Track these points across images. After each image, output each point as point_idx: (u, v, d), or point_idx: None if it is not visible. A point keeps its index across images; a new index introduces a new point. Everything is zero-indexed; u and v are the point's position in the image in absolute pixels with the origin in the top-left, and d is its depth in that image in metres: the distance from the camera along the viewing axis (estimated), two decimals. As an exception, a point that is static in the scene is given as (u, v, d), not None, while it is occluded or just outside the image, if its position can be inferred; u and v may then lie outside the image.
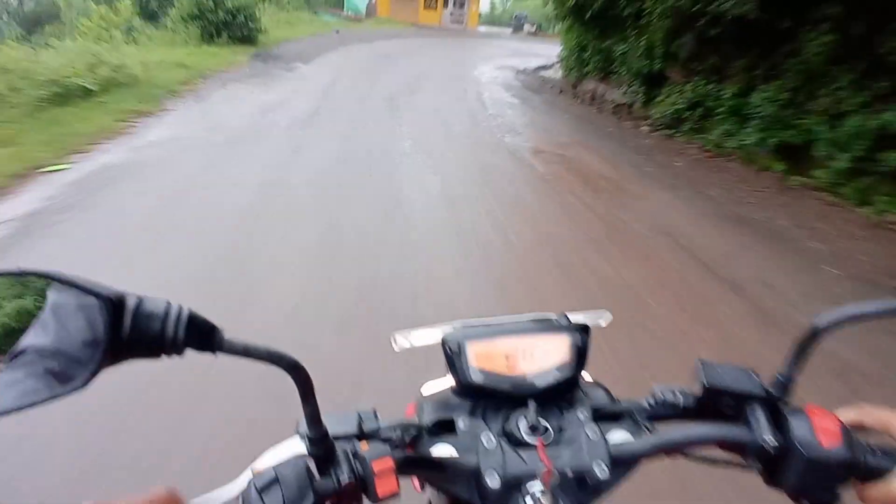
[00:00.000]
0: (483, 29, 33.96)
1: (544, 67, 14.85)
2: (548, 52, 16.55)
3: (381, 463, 0.48)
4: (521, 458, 0.51)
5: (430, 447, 0.54)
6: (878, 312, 0.48)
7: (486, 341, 0.60)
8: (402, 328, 0.65)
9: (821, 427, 0.48)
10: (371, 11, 28.55)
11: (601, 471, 0.50)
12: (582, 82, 11.55)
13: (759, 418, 0.52)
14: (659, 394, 0.58)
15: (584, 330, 0.61)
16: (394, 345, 0.65)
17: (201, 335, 0.40)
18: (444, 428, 0.56)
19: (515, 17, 37.46)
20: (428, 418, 0.57)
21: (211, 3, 13.68)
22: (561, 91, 12.09)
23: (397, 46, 18.01)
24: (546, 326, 0.61)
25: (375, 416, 0.54)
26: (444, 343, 0.60)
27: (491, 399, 0.58)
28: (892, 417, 0.50)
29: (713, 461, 0.55)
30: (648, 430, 0.56)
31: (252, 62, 12.40)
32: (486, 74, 13.76)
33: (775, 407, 0.53)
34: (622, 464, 0.52)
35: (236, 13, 14.08)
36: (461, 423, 0.56)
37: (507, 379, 0.57)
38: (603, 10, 8.99)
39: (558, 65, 13.63)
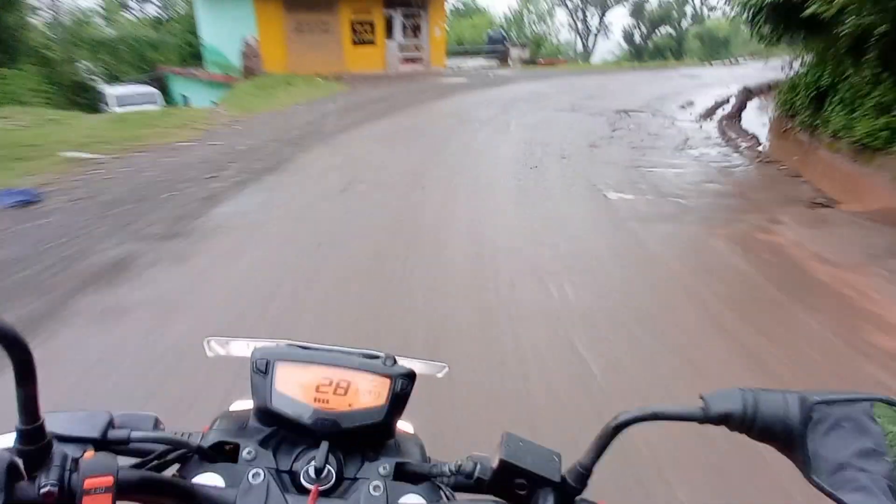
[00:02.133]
0: (452, 64, 20.88)
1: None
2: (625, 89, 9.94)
3: (98, 480, 0.40)
4: (286, 502, 0.47)
5: (198, 472, 0.50)
6: (677, 415, 0.48)
7: (299, 366, 0.54)
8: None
9: None
10: (252, 64, 15.11)
11: None
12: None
13: None
14: (465, 461, 0.53)
15: (409, 377, 0.55)
16: (207, 350, 0.61)
17: None
18: (226, 452, 0.51)
19: (490, 38, 24.87)
20: (210, 439, 0.52)
21: None
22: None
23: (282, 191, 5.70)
24: (370, 365, 0.55)
25: (154, 425, 0.51)
26: (252, 359, 0.54)
27: (290, 430, 0.53)
28: None
29: None
30: (447, 497, 0.54)
31: None
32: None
33: (569, 497, 0.50)
34: None
35: None
36: (246, 451, 0.51)
37: (312, 411, 0.52)
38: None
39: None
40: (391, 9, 18.10)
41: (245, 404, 0.59)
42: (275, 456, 0.52)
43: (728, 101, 12.16)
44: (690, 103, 11.80)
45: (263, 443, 0.53)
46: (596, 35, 47.83)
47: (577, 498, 0.51)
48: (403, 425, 0.61)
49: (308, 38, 16.50)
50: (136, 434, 0.49)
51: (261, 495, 0.47)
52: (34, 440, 0.41)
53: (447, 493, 0.54)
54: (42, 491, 0.39)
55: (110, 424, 0.48)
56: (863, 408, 0.44)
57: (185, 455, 0.50)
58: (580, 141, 7.67)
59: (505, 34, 24.17)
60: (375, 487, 0.50)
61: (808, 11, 5.43)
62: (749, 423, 0.46)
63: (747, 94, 13.41)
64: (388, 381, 0.54)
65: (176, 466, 0.52)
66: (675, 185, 5.60)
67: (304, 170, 6.10)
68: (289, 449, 0.53)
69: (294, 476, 0.51)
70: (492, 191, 5.35)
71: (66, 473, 0.41)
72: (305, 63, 15.92)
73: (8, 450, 0.40)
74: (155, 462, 0.49)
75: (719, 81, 16.95)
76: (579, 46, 44.97)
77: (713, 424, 0.48)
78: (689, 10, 49.03)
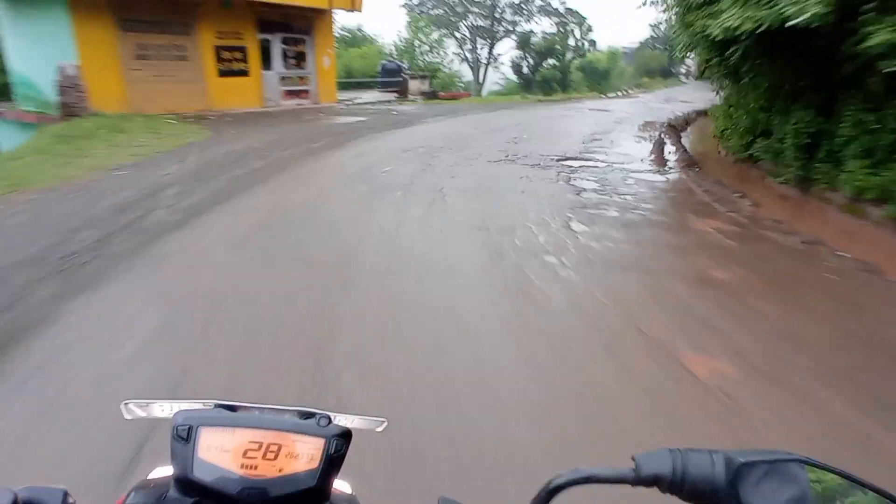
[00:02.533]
0: (345, 98, 18.28)
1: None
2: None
3: None
4: None
5: None
6: (609, 478, 0.49)
7: (225, 430, 0.51)
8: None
9: None
10: (73, 100, 11.16)
11: None
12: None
13: None
14: None
15: (345, 435, 0.54)
16: (125, 413, 0.56)
17: None
18: None
19: (384, 69, 22.65)
20: None
21: None
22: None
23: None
24: (302, 425, 0.53)
25: (63, 500, 0.48)
26: (173, 423, 0.51)
27: (214, 502, 0.49)
28: None
29: None
30: None
31: None
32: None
33: None
34: None
35: None
36: None
37: (238, 480, 0.49)
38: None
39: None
40: (268, 33, 15.04)
41: (165, 471, 0.55)
42: None
43: (663, 141, 10.75)
44: (626, 146, 10.22)
45: None
46: (486, 66, 47.91)
47: None
48: (340, 485, 0.58)
49: (157, 67, 12.82)
50: None
51: None
52: None
53: None
54: None
55: (17, 501, 0.46)
56: (788, 466, 0.45)
57: None
58: (552, 219, 5.31)
59: (401, 64, 22.00)
60: None
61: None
62: (679, 485, 0.47)
63: (674, 131, 12.26)
64: (322, 441, 0.52)
65: None
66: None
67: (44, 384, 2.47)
68: None
69: None
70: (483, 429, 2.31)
71: None
72: (154, 98, 12.23)
73: None
74: None
75: (631, 115, 16.10)
76: (469, 77, 44.58)
77: (644, 486, 0.48)
78: (571, 42, 50.88)
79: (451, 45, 43.07)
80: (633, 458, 0.49)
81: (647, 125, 13.69)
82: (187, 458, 0.49)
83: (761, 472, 0.45)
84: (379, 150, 9.15)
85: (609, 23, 70.76)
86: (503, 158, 8.54)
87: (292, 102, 15.72)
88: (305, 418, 0.54)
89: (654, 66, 51.29)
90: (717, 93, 9.37)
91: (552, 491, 0.49)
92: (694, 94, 26.23)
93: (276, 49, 15.31)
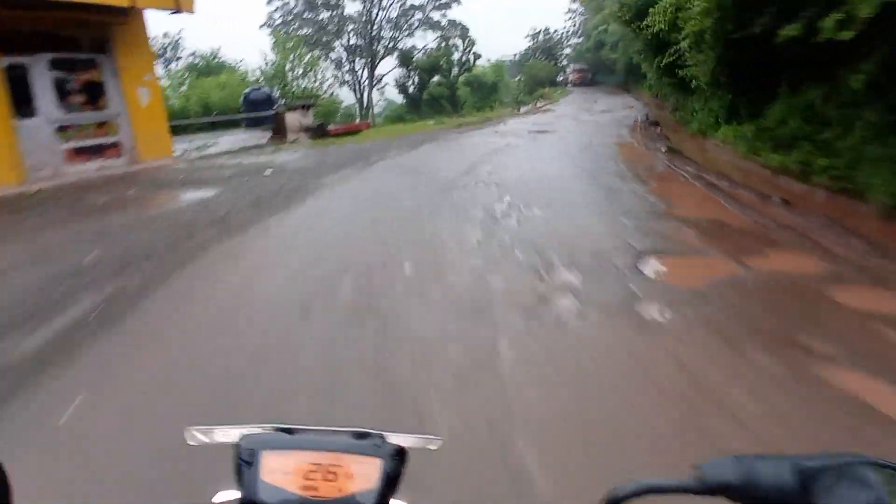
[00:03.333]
0: (187, 148, 12.14)
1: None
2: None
3: None
4: None
5: None
6: (672, 488, 0.48)
7: (286, 453, 0.53)
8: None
9: None
10: None
11: None
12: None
13: None
14: None
15: (399, 454, 0.55)
16: (189, 440, 0.57)
17: None
18: None
19: (247, 100, 16.74)
20: None
21: None
22: None
23: None
24: (359, 445, 0.55)
25: None
26: (236, 448, 0.54)
27: None
28: None
29: None
30: None
31: None
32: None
33: None
34: None
35: None
36: None
37: (300, 502, 0.51)
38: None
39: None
40: (24, 54, 8.62)
41: (229, 495, 0.57)
42: None
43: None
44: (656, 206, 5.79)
45: None
46: (370, 88, 42.95)
47: None
48: None
49: None
50: None
51: None
52: None
53: None
54: None
55: None
56: (858, 468, 0.44)
57: None
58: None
59: (270, 93, 16.10)
60: None
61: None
62: (748, 494, 0.46)
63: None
64: (378, 461, 0.53)
65: None
66: None
67: None
68: None
69: None
70: None
71: None
72: None
73: None
74: None
75: (598, 136, 12.17)
76: (351, 100, 39.28)
77: (710, 495, 0.47)
78: (455, 56, 47.58)
79: (327, 68, 37.46)
80: (695, 467, 0.48)
81: (648, 151, 9.53)
82: (252, 482, 0.51)
83: (832, 477, 0.44)
84: (243, 308, 3.61)
85: (487, 35, 69.38)
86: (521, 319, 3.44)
87: (89, 168, 9.33)
88: (360, 438, 0.55)
89: (543, 76, 49.56)
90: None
91: (613, 503, 0.48)
92: (605, 101, 23.59)
93: (42, 79, 8.88)
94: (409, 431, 0.57)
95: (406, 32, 42.35)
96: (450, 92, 47.08)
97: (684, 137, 11.29)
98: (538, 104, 27.92)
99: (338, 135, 14.63)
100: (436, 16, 42.94)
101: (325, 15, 38.44)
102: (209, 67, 34.79)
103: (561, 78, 47.79)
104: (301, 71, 28.90)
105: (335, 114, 28.34)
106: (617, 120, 16.81)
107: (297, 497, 0.51)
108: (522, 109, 25.45)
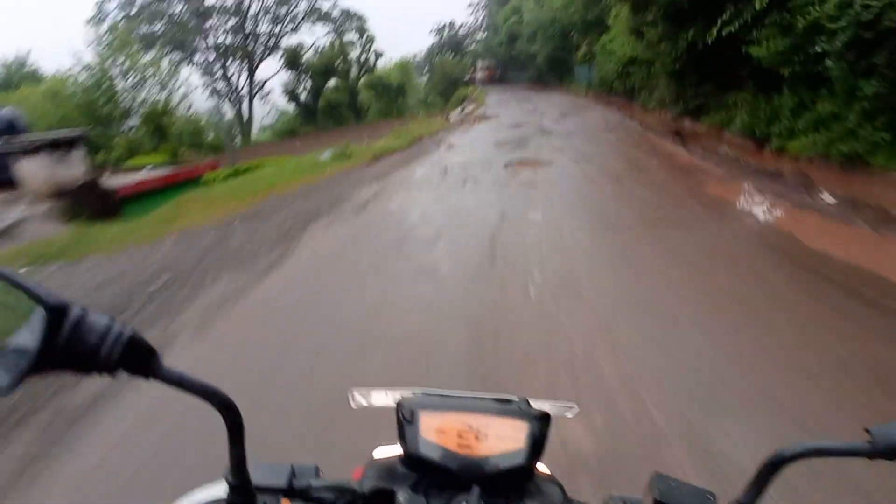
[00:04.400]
0: None
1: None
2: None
3: None
4: None
5: None
6: (843, 451, 0.46)
7: (442, 414, 0.57)
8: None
9: None
10: None
11: None
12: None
13: None
14: (612, 503, 0.54)
15: (544, 418, 0.58)
16: (351, 402, 0.63)
17: (137, 358, 0.40)
18: (383, 498, 0.53)
19: None
20: (367, 485, 0.54)
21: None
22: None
23: None
24: (506, 409, 0.58)
25: (316, 473, 0.54)
26: (398, 409, 0.58)
27: (437, 476, 0.55)
28: None
29: None
30: None
31: None
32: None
33: None
34: None
35: None
36: (401, 496, 0.53)
37: (457, 458, 0.55)
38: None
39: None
40: None
41: (386, 451, 0.64)
42: (427, 500, 0.53)
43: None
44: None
45: (414, 488, 0.54)
46: (251, 97, 34.89)
47: None
48: (540, 467, 0.61)
49: None
50: (315, 483, 0.52)
51: None
52: (243, 493, 0.47)
53: None
54: None
55: (293, 474, 0.51)
56: None
57: (351, 501, 0.52)
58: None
59: (14, 117, 8.54)
60: None
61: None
62: None
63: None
64: (525, 424, 0.56)
65: None
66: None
67: None
68: (437, 494, 0.53)
69: None
70: None
71: None
72: None
73: (220, 501, 0.47)
74: None
75: (652, 197, 5.92)
76: (227, 114, 31.13)
77: (885, 459, 0.46)
78: (353, 55, 40.64)
79: (187, 74, 28.92)
80: (867, 431, 0.46)
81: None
82: (413, 438, 0.55)
83: None
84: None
85: (387, 32, 62.53)
86: None
87: None
88: (504, 403, 0.59)
89: (455, 75, 43.86)
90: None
91: (777, 463, 0.47)
92: (541, 102, 18.38)
93: None
94: (546, 399, 0.61)
95: (290, 26, 34.67)
96: (350, 98, 40.13)
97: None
98: (466, 109, 21.92)
99: (139, 197, 7.41)
100: (325, 5, 35.75)
101: (179, 7, 29.76)
102: (10, 79, 25.34)
103: (468, 77, 43.04)
104: (138, 78, 20.65)
105: (199, 137, 20.49)
106: (602, 129, 11.25)
107: (455, 453, 0.54)
108: (453, 117, 19.32)
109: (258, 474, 0.49)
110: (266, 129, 39.03)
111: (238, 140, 27.49)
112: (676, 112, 8.70)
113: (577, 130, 11.44)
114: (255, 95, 34.99)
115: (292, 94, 38.58)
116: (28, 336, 0.36)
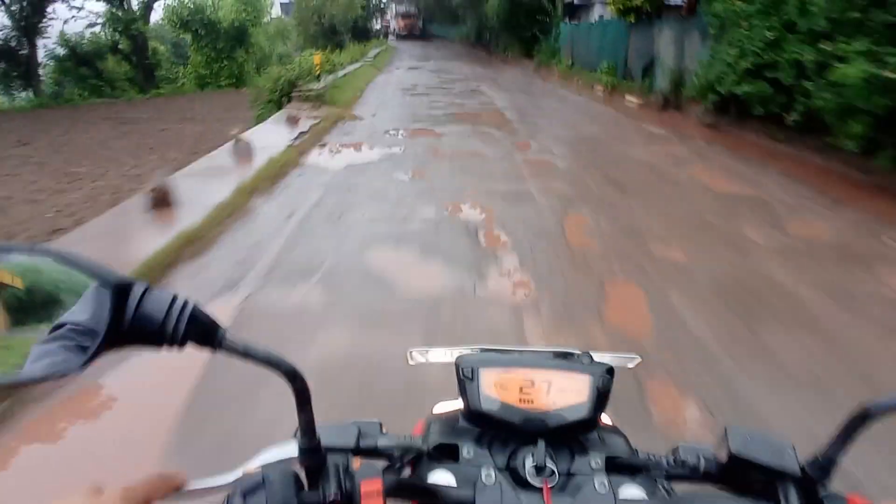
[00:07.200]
0: None
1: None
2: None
3: (370, 484, 0.47)
4: (520, 500, 0.49)
5: (429, 471, 0.53)
6: None
7: (502, 370, 0.57)
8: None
9: None
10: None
11: None
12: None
13: (792, 500, 0.47)
14: (681, 453, 0.54)
15: (608, 371, 0.57)
16: (409, 360, 0.64)
17: (203, 331, 0.42)
18: (447, 453, 0.54)
19: None
20: (432, 440, 0.55)
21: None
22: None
23: None
24: (567, 363, 0.58)
25: (380, 430, 0.55)
26: (457, 366, 0.58)
27: (499, 430, 0.55)
28: None
29: None
30: (665, 490, 0.52)
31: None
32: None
33: (812, 490, 0.48)
34: None
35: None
36: (465, 450, 0.54)
37: (519, 412, 0.54)
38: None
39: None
40: None
41: (446, 407, 0.64)
42: (490, 454, 0.53)
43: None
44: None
45: (478, 442, 0.54)
46: None
47: (823, 492, 0.48)
48: (604, 418, 0.61)
49: None
50: (381, 442, 0.53)
51: (496, 494, 0.48)
52: (313, 455, 0.49)
53: (663, 484, 0.52)
54: (329, 500, 0.46)
55: (359, 434, 0.53)
56: None
57: (416, 458, 0.53)
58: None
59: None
60: (601, 484, 0.49)
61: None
62: None
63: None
64: (588, 377, 0.55)
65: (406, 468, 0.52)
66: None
67: None
68: (501, 448, 0.53)
69: (514, 473, 0.51)
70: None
71: (342, 481, 0.47)
72: None
73: (290, 463, 0.48)
74: (398, 465, 0.52)
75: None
76: None
77: None
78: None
79: None
80: None
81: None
82: (475, 394, 0.54)
83: None
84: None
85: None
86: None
87: None
88: (565, 357, 0.58)
89: (342, 20, 24.51)
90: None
91: (863, 416, 0.47)
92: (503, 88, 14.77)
93: None
94: (609, 351, 0.61)
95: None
96: (135, 50, 20.08)
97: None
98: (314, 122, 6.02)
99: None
100: None
101: None
102: None
103: (379, 26, 25.68)
104: None
105: None
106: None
107: (517, 408, 0.53)
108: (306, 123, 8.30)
109: (327, 435, 0.50)
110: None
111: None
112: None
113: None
114: None
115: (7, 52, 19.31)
116: (85, 313, 0.37)
